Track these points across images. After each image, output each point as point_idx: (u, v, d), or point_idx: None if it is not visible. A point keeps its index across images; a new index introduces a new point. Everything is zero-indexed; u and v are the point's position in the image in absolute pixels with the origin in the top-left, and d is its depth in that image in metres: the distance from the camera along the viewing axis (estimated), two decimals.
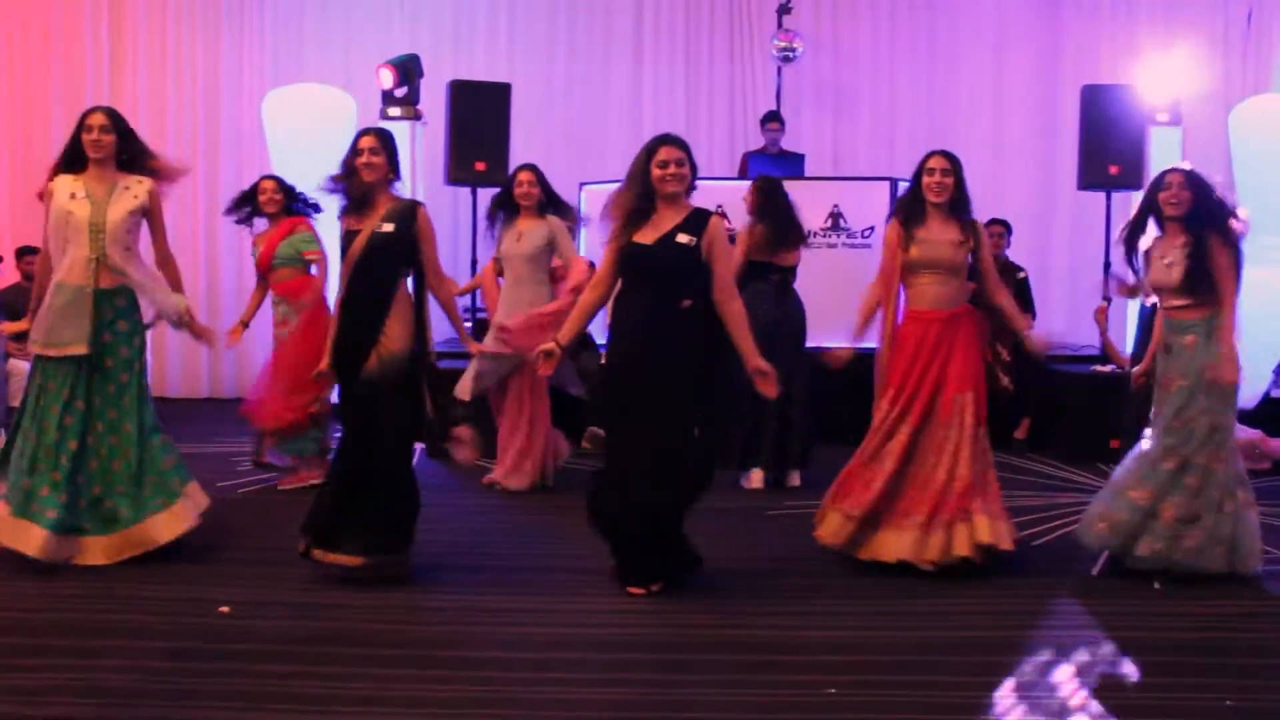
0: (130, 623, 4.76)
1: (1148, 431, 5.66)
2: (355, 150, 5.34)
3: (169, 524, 5.63)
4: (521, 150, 9.66)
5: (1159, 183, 5.59)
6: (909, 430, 5.57)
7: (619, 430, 5.27)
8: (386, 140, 5.39)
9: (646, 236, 5.14)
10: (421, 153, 10.08)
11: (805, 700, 4.07)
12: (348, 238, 5.36)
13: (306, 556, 5.32)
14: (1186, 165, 5.68)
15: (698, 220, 5.17)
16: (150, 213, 5.66)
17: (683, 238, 5.12)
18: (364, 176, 5.31)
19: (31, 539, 5.35)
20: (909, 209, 5.70)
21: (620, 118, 12.10)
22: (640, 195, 5.16)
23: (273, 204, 7.29)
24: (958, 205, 5.67)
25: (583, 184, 10.02)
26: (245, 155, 11.52)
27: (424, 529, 5.43)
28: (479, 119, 9.82)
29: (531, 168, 7.44)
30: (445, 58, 11.51)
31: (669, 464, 5.09)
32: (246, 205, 7.39)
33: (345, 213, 5.43)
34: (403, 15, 11.97)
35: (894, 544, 5.54)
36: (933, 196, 5.63)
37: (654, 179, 5.14)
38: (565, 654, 4.50)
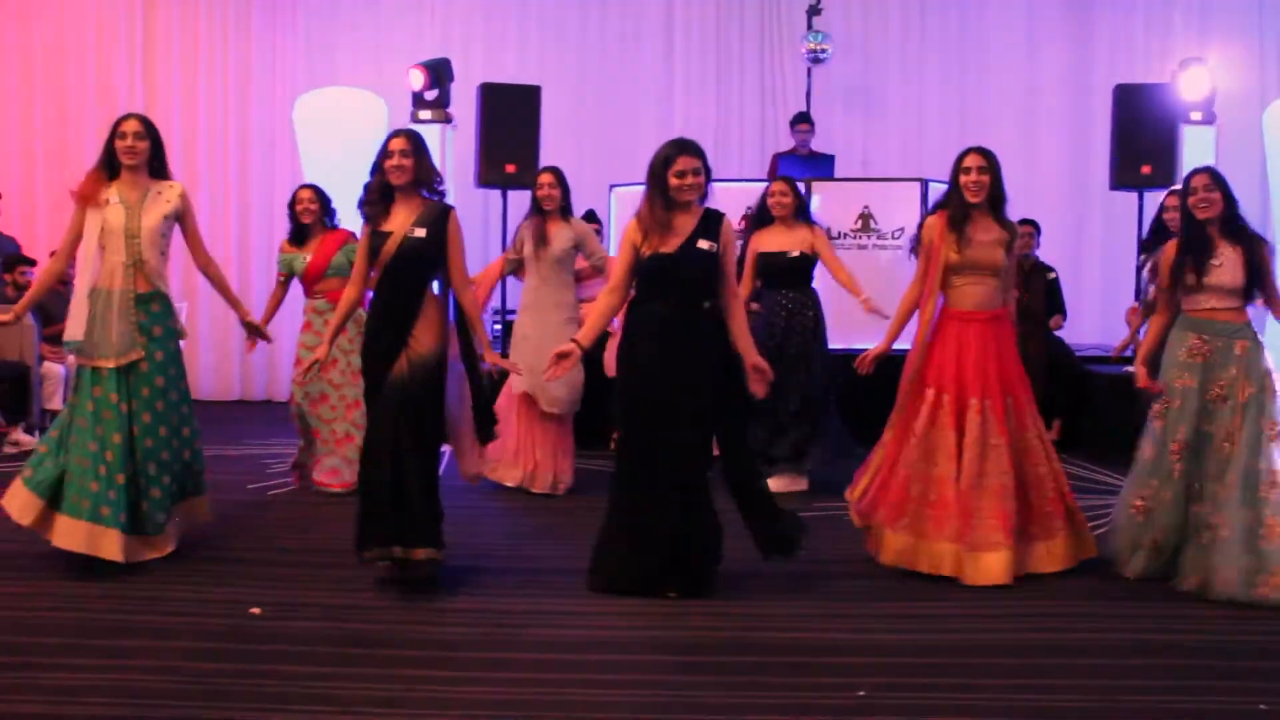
0: (159, 623, 4.79)
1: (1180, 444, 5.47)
2: (385, 152, 5.30)
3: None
4: (552, 153, 9.68)
5: (1186, 188, 5.52)
6: (1007, 442, 5.48)
7: (640, 438, 5.21)
8: (417, 142, 5.36)
9: (668, 245, 5.16)
10: (452, 156, 10.12)
11: (830, 703, 4.06)
12: (375, 239, 5.32)
13: (381, 560, 5.22)
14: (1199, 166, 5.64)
15: (712, 223, 5.22)
16: (184, 217, 5.70)
17: (703, 244, 5.15)
18: (392, 179, 5.28)
19: (109, 543, 5.36)
20: (953, 211, 5.61)
21: (650, 120, 12.10)
22: (666, 205, 5.16)
23: (309, 214, 7.32)
24: (996, 203, 5.63)
25: (613, 186, 10.04)
26: (277, 158, 11.60)
27: (451, 532, 5.43)
28: (509, 121, 9.85)
29: (552, 170, 7.42)
30: (475, 61, 11.56)
31: (693, 470, 5.14)
32: (295, 222, 7.41)
33: (370, 214, 5.38)
34: (433, 19, 12.03)
35: (1056, 553, 5.59)
36: (971, 196, 5.57)
37: (671, 188, 5.15)
38: (591, 656, 4.50)
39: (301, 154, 10.41)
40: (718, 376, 5.17)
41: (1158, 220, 7.32)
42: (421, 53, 10.95)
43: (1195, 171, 5.57)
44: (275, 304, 7.53)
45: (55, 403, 9.05)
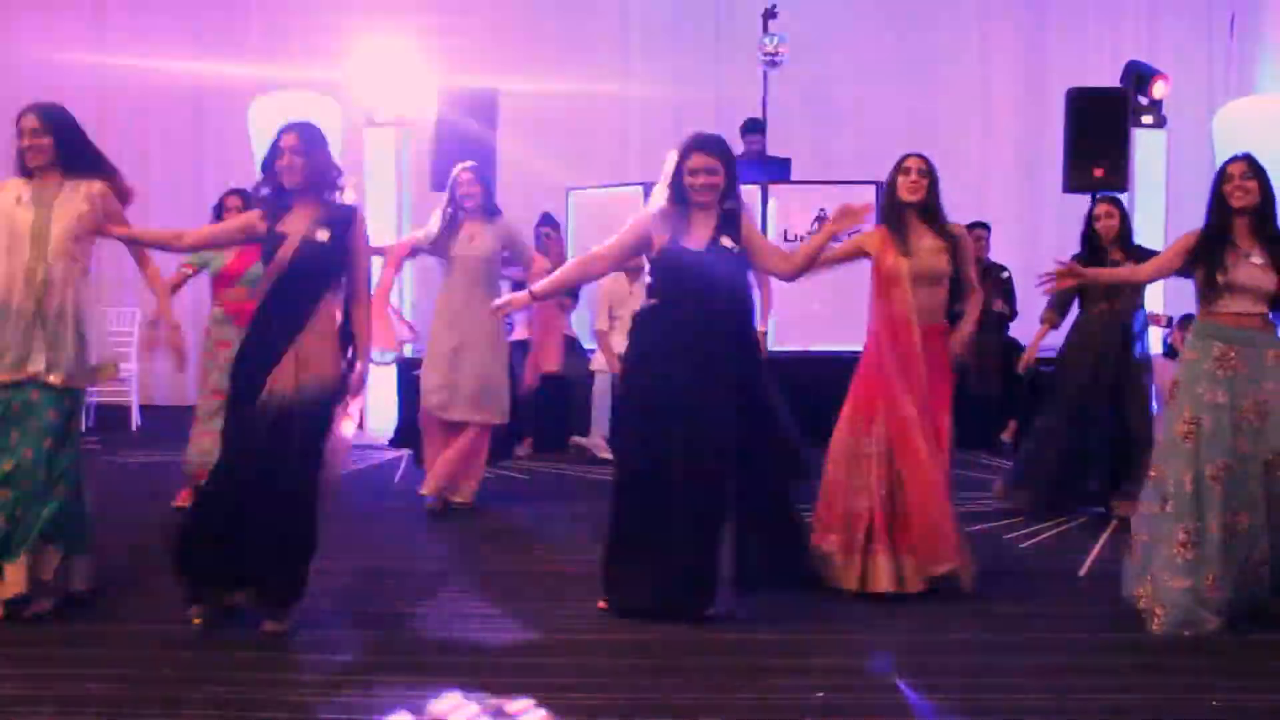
0: (110, 631, 4.74)
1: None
2: (276, 150, 4.71)
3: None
4: (509, 156, 9.66)
5: (1222, 175, 4.96)
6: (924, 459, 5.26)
7: (659, 459, 4.86)
8: (310, 137, 4.73)
9: (691, 240, 4.92)
10: (409, 159, 10.08)
11: (791, 703, 4.06)
12: (270, 240, 4.71)
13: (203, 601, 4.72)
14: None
15: (731, 221, 4.97)
16: (109, 216, 4.96)
17: (726, 241, 4.92)
18: (284, 180, 4.69)
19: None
20: (890, 218, 5.47)
21: (607, 123, 12.13)
22: (673, 200, 4.92)
23: None
24: (932, 211, 5.47)
25: (570, 189, 10.02)
26: (231, 163, 11.53)
27: (406, 538, 5.40)
28: (467, 125, 9.82)
29: (471, 167, 6.95)
30: (434, 64, 11.50)
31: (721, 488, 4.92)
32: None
33: (266, 213, 4.78)
34: (390, 22, 11.96)
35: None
36: (906, 195, 5.42)
37: (685, 186, 4.91)
38: (548, 659, 4.50)
39: (256, 159, 10.33)
40: (739, 387, 4.90)
41: (1090, 229, 7.23)
42: (379, 56, 10.90)
43: (1232, 159, 5.01)
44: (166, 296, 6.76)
45: None
